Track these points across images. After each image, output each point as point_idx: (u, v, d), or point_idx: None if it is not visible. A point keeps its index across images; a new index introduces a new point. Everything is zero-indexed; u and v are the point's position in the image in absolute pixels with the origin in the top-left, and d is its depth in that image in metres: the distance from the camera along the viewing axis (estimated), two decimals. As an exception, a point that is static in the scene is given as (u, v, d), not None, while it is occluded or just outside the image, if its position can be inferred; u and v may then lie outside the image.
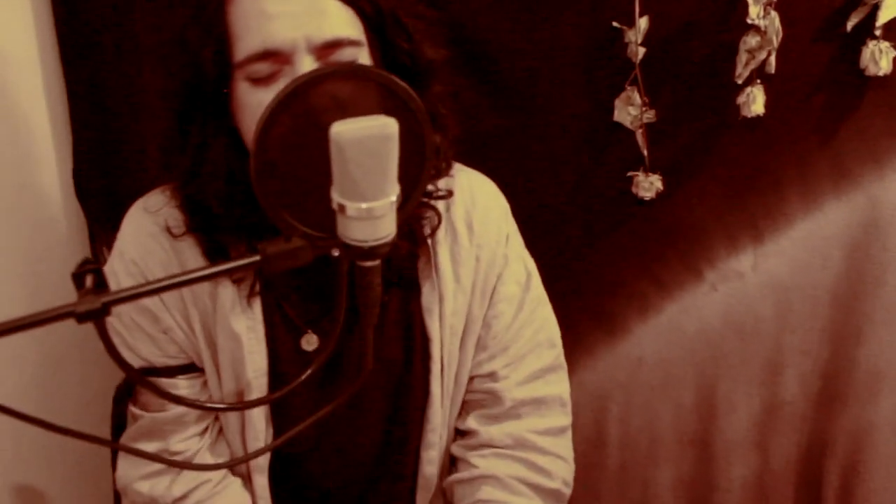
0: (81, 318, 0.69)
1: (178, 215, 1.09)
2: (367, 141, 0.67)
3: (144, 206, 1.13)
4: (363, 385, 1.15)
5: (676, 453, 1.75)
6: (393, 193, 0.71)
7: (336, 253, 0.76)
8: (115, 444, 1.22)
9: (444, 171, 1.12)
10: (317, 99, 0.73)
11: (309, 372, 0.86)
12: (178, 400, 0.94)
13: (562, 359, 1.27)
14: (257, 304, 1.11)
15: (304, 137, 0.73)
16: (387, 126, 0.67)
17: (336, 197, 0.70)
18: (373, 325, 0.81)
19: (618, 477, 1.76)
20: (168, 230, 1.09)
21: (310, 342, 1.15)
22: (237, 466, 1.22)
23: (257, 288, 1.11)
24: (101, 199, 1.45)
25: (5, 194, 1.35)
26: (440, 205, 1.14)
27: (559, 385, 1.25)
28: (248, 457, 1.16)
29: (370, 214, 0.70)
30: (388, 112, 0.68)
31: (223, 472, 1.21)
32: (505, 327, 1.20)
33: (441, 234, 1.14)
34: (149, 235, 1.11)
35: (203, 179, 1.03)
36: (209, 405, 1.05)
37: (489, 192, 1.23)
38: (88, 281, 0.72)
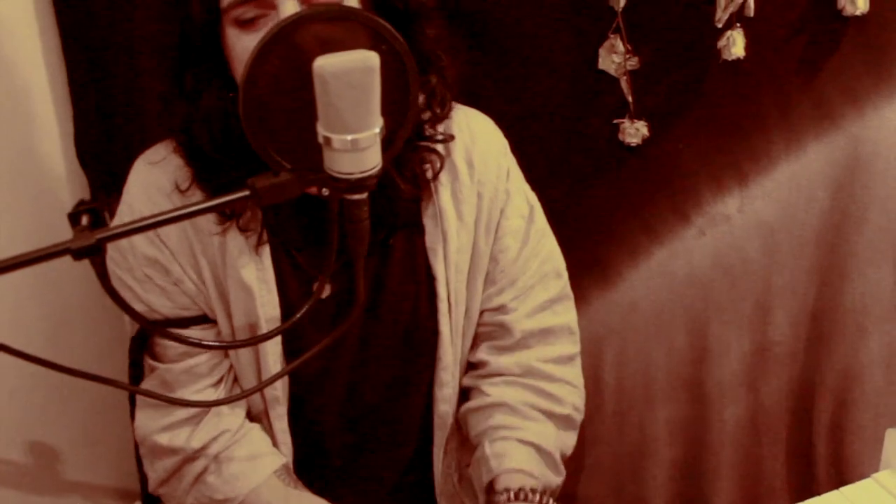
0: (77, 254, 0.72)
1: (183, 167, 1.10)
2: (349, 73, 0.70)
3: (149, 160, 1.14)
4: (373, 323, 1.18)
5: (670, 395, 1.78)
6: (377, 125, 0.74)
7: (325, 192, 0.79)
8: (130, 387, 1.22)
9: (443, 115, 1.13)
10: (301, 40, 0.77)
11: (307, 306, 0.90)
12: (186, 340, 0.96)
13: (568, 289, 1.29)
14: (266, 254, 1.13)
15: (291, 77, 0.76)
16: (368, 59, 0.70)
17: (322, 130, 0.73)
18: (363, 259, 0.84)
19: (615, 421, 1.79)
20: (176, 184, 1.10)
21: (322, 289, 1.16)
22: (255, 406, 1.23)
23: (265, 237, 1.12)
24: (104, 164, 1.46)
25: (8, 164, 1.36)
26: (440, 148, 1.15)
27: (566, 314, 1.28)
28: (262, 385, 1.16)
29: (355, 146, 0.73)
30: (373, 50, 0.71)
31: (241, 420, 1.21)
32: (511, 261, 1.22)
33: (443, 174, 1.16)
34: (156, 189, 1.12)
35: (199, 125, 1.05)
36: (216, 344, 1.08)
37: (488, 129, 1.25)
38: (84, 220, 0.75)
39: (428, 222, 1.18)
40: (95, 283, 0.76)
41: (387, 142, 0.78)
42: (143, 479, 1.28)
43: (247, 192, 0.77)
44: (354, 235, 0.81)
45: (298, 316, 0.91)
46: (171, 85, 1.07)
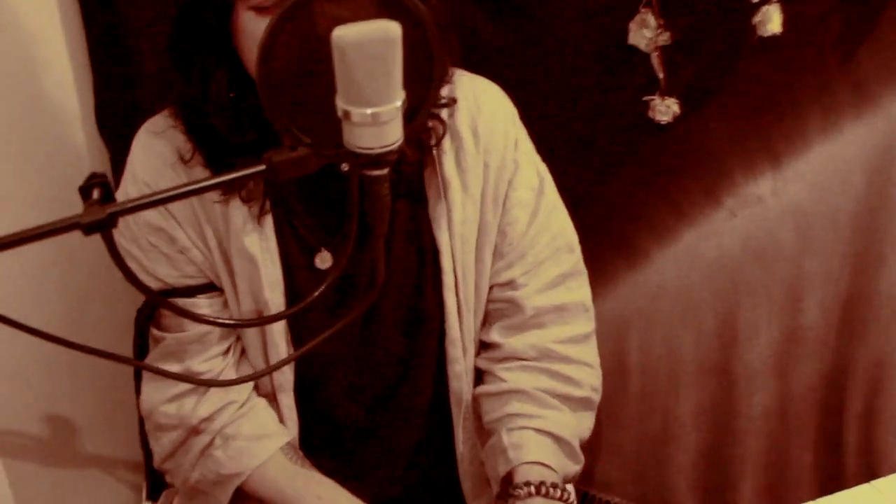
0: (87, 229, 0.69)
1: (184, 139, 1.10)
2: (368, 44, 0.66)
3: (151, 129, 1.13)
4: (377, 299, 1.15)
5: (697, 381, 1.74)
6: (398, 98, 0.70)
7: (345, 167, 0.76)
8: (138, 362, 1.22)
9: (444, 80, 1.10)
10: (319, 10, 0.73)
11: (323, 288, 0.87)
12: (194, 316, 0.94)
13: (581, 264, 1.26)
14: (269, 223, 1.12)
15: (309, 49, 0.72)
16: (389, 29, 0.66)
17: (341, 104, 0.70)
18: (383, 237, 0.81)
19: (639, 406, 1.76)
20: (179, 155, 1.09)
21: (323, 260, 1.15)
22: (262, 387, 1.23)
23: (267, 206, 1.11)
24: (124, 135, 1.42)
25: (27, 134, 1.35)
26: (444, 112, 1.12)
27: (580, 290, 1.25)
28: (269, 369, 1.16)
29: (376, 120, 0.70)
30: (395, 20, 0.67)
31: (248, 393, 1.21)
32: (520, 234, 1.19)
33: (446, 142, 1.13)
34: (159, 157, 1.11)
35: (208, 106, 1.03)
36: (223, 321, 1.06)
37: (494, 96, 1.21)
38: (95, 194, 0.72)
39: (431, 193, 1.15)
40: (108, 260, 0.74)
41: (408, 115, 0.74)
42: (147, 455, 1.29)
43: (262, 167, 0.74)
44: (374, 212, 0.78)
45: (308, 301, 0.88)
46: (169, 61, 1.05)
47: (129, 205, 0.71)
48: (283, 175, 0.75)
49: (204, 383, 1.16)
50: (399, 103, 0.70)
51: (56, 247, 0.76)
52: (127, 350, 1.33)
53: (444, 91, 1.12)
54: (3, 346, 1.30)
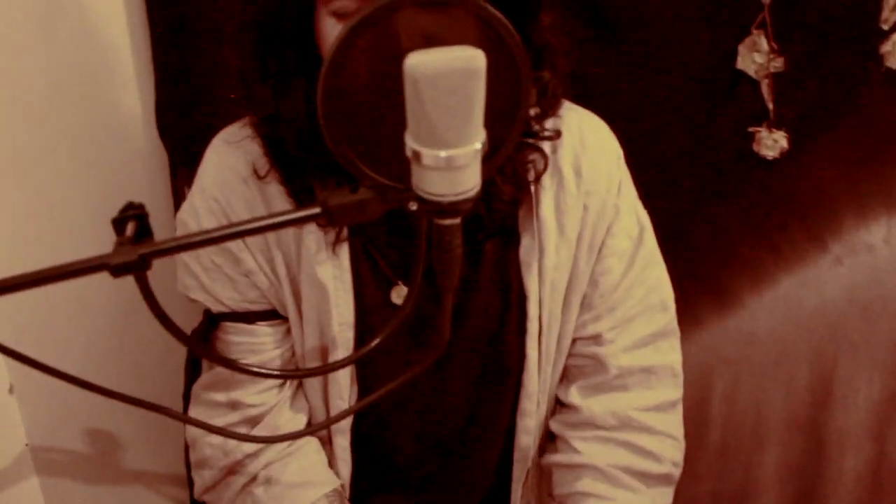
0: (116, 270, 0.61)
1: (261, 152, 1.02)
2: (447, 76, 0.56)
3: (227, 139, 1.06)
4: (453, 343, 1.05)
5: (784, 438, 1.64)
6: (477, 140, 0.60)
7: (413, 207, 0.67)
8: (185, 417, 1.17)
9: (552, 110, 1.01)
10: (396, 28, 0.62)
11: (386, 333, 0.81)
12: (242, 368, 0.87)
13: (675, 324, 1.16)
14: (344, 252, 1.04)
15: (380, 72, 0.62)
16: (472, 59, 0.56)
17: (410, 142, 0.60)
18: (452, 292, 0.71)
19: (718, 459, 1.65)
20: (254, 169, 1.02)
21: (400, 294, 1.06)
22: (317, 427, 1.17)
23: (345, 234, 1.03)
24: (184, 136, 1.41)
25: (86, 132, 1.32)
26: (546, 146, 1.03)
27: (671, 353, 1.15)
28: (326, 423, 1.10)
29: (449, 164, 0.59)
30: (480, 46, 0.57)
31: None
32: (613, 285, 1.09)
33: (546, 179, 1.04)
34: (231, 170, 1.04)
35: (283, 119, 0.96)
36: (274, 372, 1.02)
37: (601, 134, 1.11)
38: (129, 229, 0.64)
39: (525, 233, 1.06)
40: (165, 267, 0.66)
41: (487, 155, 0.64)
42: (192, 483, 1.24)
43: (317, 210, 0.65)
44: (443, 265, 0.68)
45: (371, 347, 0.81)
46: (253, 67, 0.97)
47: (164, 246, 0.63)
48: (341, 221, 0.65)
49: (248, 439, 1.10)
50: (479, 146, 0.60)
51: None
52: (180, 367, 1.29)
53: (549, 124, 1.02)
54: (44, 358, 1.26)
